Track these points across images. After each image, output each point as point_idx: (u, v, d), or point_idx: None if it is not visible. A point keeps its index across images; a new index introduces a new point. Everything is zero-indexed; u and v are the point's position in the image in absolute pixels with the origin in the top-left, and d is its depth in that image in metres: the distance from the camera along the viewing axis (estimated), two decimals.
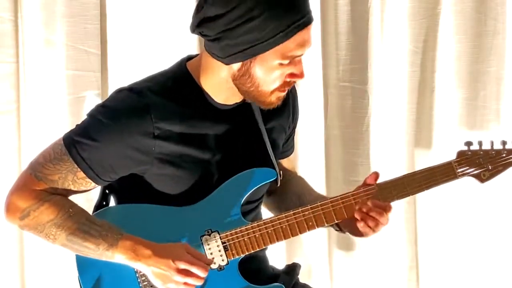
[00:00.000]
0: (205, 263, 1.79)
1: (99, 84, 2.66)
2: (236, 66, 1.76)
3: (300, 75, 1.79)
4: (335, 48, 2.89)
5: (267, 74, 1.75)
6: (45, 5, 2.58)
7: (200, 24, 1.75)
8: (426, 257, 3.00)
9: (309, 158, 2.91)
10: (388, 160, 2.93)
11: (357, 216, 1.87)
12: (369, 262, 2.98)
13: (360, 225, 1.87)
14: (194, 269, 1.77)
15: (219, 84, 1.81)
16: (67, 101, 2.63)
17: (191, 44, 2.65)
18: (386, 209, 1.86)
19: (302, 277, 2.12)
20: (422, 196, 2.96)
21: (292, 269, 2.03)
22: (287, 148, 2.10)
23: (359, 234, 1.90)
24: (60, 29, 2.61)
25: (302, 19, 1.71)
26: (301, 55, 1.76)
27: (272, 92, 1.79)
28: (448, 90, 2.93)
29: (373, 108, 2.90)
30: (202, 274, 1.77)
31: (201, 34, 1.78)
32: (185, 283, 1.78)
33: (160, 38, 2.72)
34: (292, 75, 1.78)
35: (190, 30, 1.81)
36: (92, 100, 2.63)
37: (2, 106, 2.58)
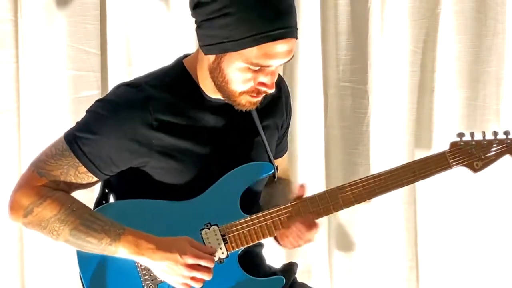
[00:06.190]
0: (209, 253, 1.81)
1: (99, 84, 2.67)
2: (211, 58, 1.79)
3: (269, 86, 1.78)
4: (335, 48, 2.89)
5: (233, 74, 1.77)
6: (45, 5, 2.59)
7: (193, 8, 1.79)
8: (426, 257, 3.00)
9: (309, 158, 2.91)
10: (388, 160, 2.93)
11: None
12: (369, 262, 2.98)
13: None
14: (202, 262, 1.78)
15: (206, 76, 1.84)
16: (67, 101, 2.64)
17: (191, 44, 2.65)
18: (312, 226, 1.88)
19: (302, 277, 2.13)
20: (422, 196, 2.97)
21: (289, 268, 2.04)
22: (281, 148, 2.12)
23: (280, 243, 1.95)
24: (60, 29, 2.62)
25: (274, 31, 1.71)
26: (269, 66, 1.75)
27: (241, 94, 1.80)
28: (448, 90, 2.93)
29: (373, 108, 2.91)
30: (210, 265, 1.79)
31: (194, 18, 1.82)
32: (193, 277, 1.79)
33: (160, 38, 2.72)
34: (261, 83, 1.78)
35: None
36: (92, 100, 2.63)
37: (2, 106, 2.59)
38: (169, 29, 2.72)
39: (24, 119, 2.62)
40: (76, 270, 2.67)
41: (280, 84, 2.02)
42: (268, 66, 1.75)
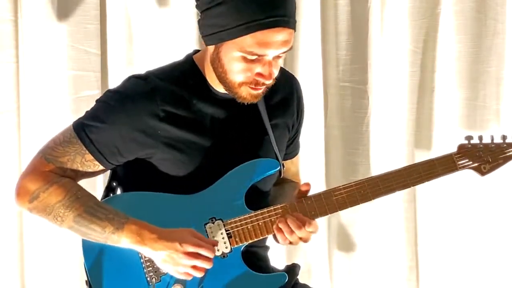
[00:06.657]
0: (211, 244, 1.82)
1: (99, 84, 2.67)
2: (211, 49, 1.82)
3: (266, 77, 1.79)
4: (335, 48, 2.89)
5: (230, 64, 1.79)
6: (45, 5, 2.59)
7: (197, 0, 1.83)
8: (426, 257, 3.00)
9: (309, 158, 2.91)
10: (388, 160, 2.93)
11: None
12: (369, 262, 2.98)
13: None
14: (201, 251, 1.79)
15: (212, 69, 1.85)
16: (68, 101, 2.64)
17: (191, 44, 2.65)
18: (305, 223, 1.87)
19: (302, 277, 2.13)
20: (423, 196, 2.97)
21: (292, 269, 2.04)
22: (292, 149, 2.12)
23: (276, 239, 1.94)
24: (60, 29, 2.61)
25: (267, 19, 1.72)
26: (265, 55, 1.76)
27: (240, 85, 1.81)
28: (448, 90, 2.93)
29: (373, 108, 2.91)
30: (210, 255, 1.80)
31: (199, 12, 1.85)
32: (194, 266, 1.80)
33: (160, 38, 2.72)
34: (259, 74, 1.79)
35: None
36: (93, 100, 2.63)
37: (2, 106, 2.59)
38: (169, 29, 2.72)
39: (24, 119, 2.62)
40: (76, 270, 2.67)
41: (293, 83, 2.04)
42: (264, 56, 1.76)
